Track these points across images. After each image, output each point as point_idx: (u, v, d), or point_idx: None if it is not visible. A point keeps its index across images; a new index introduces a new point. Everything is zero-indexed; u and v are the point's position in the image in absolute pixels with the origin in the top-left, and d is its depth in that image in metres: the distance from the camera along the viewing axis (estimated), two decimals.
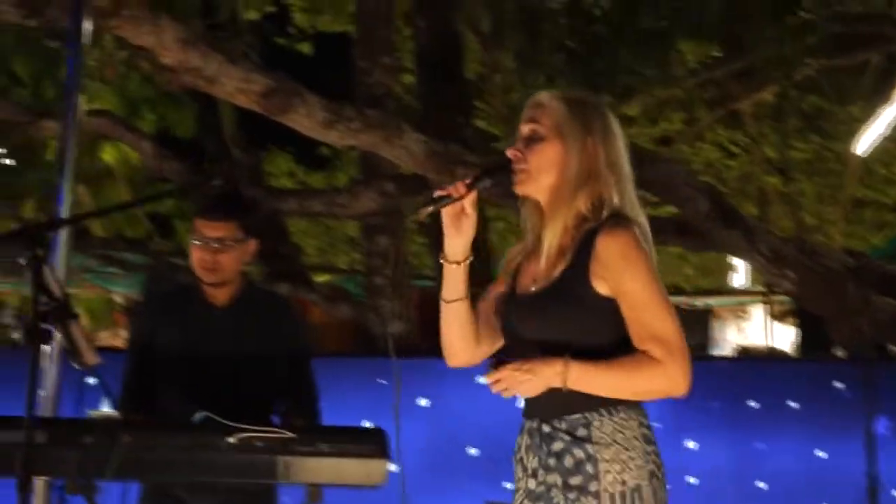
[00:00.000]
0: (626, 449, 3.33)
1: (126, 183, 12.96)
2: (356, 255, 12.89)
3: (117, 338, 15.27)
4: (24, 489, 3.19)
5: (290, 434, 4.06)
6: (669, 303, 3.38)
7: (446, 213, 3.44)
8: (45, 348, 4.79)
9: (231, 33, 11.25)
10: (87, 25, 5.39)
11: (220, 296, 4.91)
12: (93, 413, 4.13)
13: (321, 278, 15.81)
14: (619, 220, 3.38)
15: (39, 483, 4.72)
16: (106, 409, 4.36)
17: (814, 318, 8.33)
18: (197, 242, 4.81)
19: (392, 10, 10.44)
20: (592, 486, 3.29)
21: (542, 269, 3.45)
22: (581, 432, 3.34)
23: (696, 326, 15.76)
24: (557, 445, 3.36)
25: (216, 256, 4.79)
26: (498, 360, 3.39)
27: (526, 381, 3.29)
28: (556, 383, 3.28)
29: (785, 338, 18.24)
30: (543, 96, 3.54)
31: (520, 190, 3.49)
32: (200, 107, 10.40)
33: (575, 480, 3.31)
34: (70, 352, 3.62)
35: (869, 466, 7.43)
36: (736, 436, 7.60)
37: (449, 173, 6.85)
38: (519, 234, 3.72)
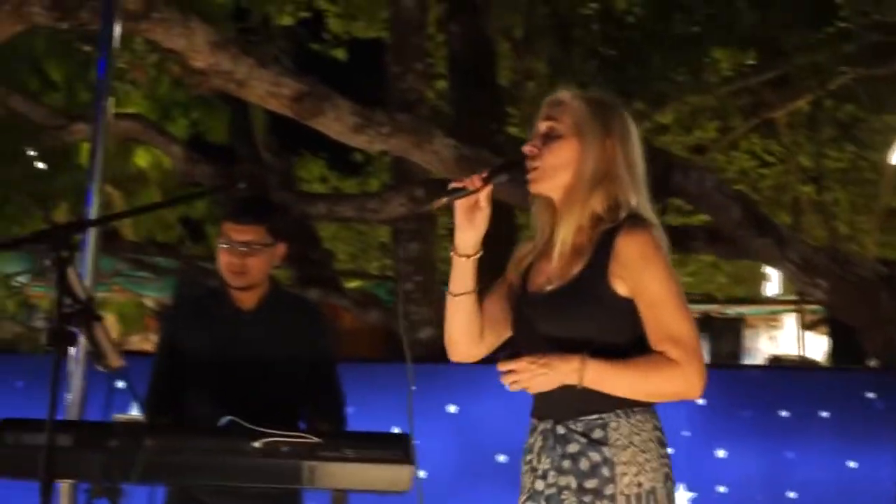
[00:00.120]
0: (643, 451, 3.31)
1: (159, 187, 12.98)
2: (387, 261, 12.89)
3: (148, 342, 15.28)
4: (46, 493, 3.18)
5: (315, 439, 4.04)
6: (687, 305, 3.36)
7: (460, 205, 3.42)
8: (71, 351, 4.83)
9: (263, 38, 11.26)
10: (118, 28, 5.39)
11: (248, 299, 4.90)
12: (118, 417, 4.12)
13: (352, 284, 15.81)
14: (637, 220, 3.36)
15: (65, 486, 4.72)
16: (133, 412, 4.36)
17: (846, 328, 8.28)
18: (225, 246, 4.79)
19: (425, 16, 10.43)
20: (608, 490, 3.27)
21: (556, 268, 3.42)
22: (597, 434, 3.31)
23: (728, 335, 15.70)
24: (572, 447, 3.33)
25: (244, 260, 4.77)
26: (513, 353, 3.37)
27: (541, 375, 3.26)
28: (572, 380, 3.25)
29: (817, 347, 18.16)
30: (564, 94, 3.51)
31: (534, 187, 3.46)
32: (232, 111, 10.41)
33: (591, 484, 3.29)
34: (94, 354, 3.61)
35: None
36: (766, 445, 7.56)
37: None
38: None
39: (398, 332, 9.38)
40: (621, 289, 3.32)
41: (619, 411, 3.31)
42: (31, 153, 9.90)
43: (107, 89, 5.34)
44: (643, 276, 3.30)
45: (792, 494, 7.49)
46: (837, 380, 8.28)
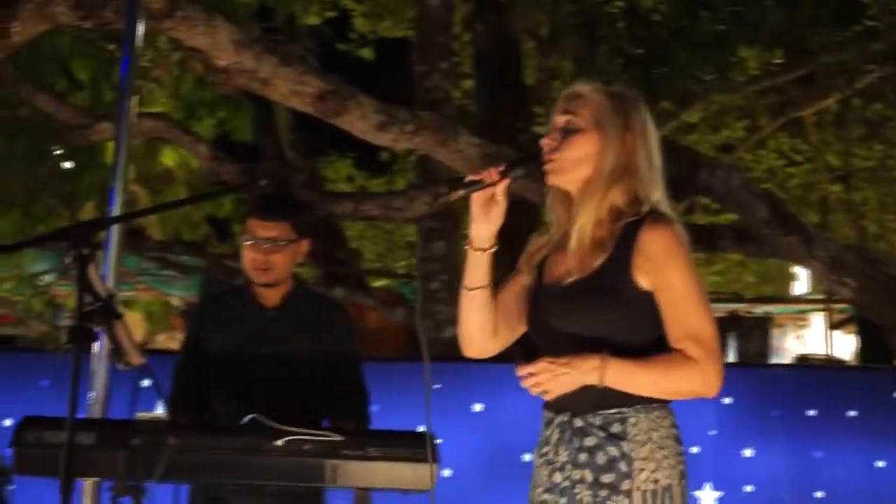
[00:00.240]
0: (661, 448, 3.29)
1: (186, 186, 12.99)
2: (414, 260, 12.89)
3: (174, 341, 15.30)
4: (67, 491, 3.17)
5: (337, 437, 4.03)
6: (709, 302, 3.34)
7: (476, 198, 3.38)
8: (94, 349, 4.83)
9: (288, 37, 11.26)
10: (141, 27, 5.39)
11: (271, 296, 4.92)
12: (141, 415, 4.12)
13: (379, 283, 15.81)
14: (661, 215, 3.34)
15: (88, 485, 4.73)
16: (158, 411, 4.36)
17: (874, 327, 8.23)
18: (249, 242, 4.81)
19: (451, 15, 10.43)
20: (625, 485, 3.25)
21: (575, 261, 3.39)
22: (616, 428, 3.29)
23: (756, 334, 15.64)
24: (590, 441, 3.31)
25: (268, 256, 4.79)
26: (530, 355, 3.35)
27: (562, 376, 3.24)
28: (592, 379, 3.22)
29: (845, 346, 18.09)
30: (582, 87, 3.48)
31: (552, 179, 3.44)
32: (257, 110, 10.41)
33: (607, 478, 3.27)
34: (115, 352, 3.60)
35: None
36: (794, 444, 7.55)
37: None
38: None
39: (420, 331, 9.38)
40: (643, 282, 3.30)
41: (638, 406, 3.29)
42: (58, 152, 9.92)
43: (130, 88, 5.35)
44: (666, 270, 3.28)
45: (819, 494, 7.47)
46: (865, 379, 8.26)
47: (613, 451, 3.27)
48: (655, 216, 3.33)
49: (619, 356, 3.22)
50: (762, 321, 16.78)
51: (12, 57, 7.37)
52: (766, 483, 7.50)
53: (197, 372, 4.93)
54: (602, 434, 3.30)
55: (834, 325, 16.24)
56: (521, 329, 3.61)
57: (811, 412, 7.57)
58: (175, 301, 15.89)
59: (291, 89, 6.35)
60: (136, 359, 3.61)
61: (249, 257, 4.81)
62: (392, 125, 6.70)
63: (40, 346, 11.57)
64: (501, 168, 3.37)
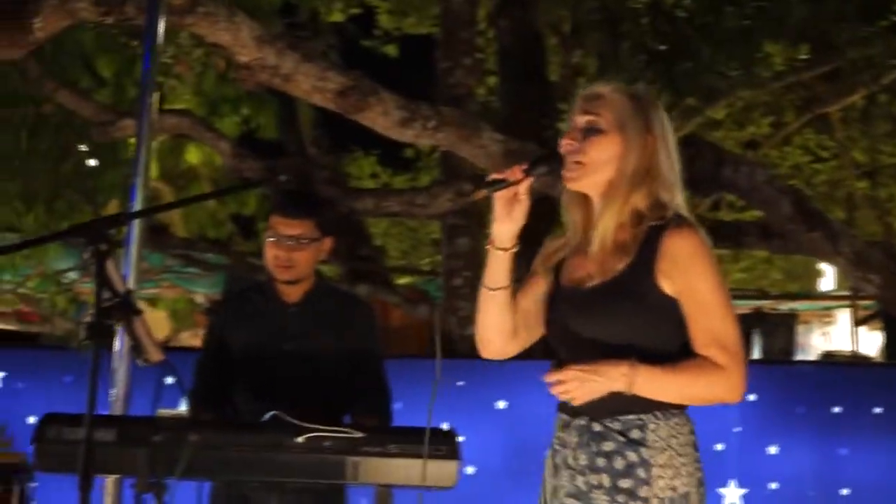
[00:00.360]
0: (680, 455, 3.26)
1: (210, 183, 13.01)
2: (438, 257, 12.87)
3: (198, 338, 15.33)
4: (85, 487, 3.16)
5: (358, 434, 4.01)
6: (733, 307, 3.32)
7: (499, 197, 3.33)
8: (115, 346, 4.83)
9: (312, 33, 11.26)
10: (162, 23, 5.39)
11: (293, 293, 4.92)
12: (162, 412, 4.11)
13: (403, 280, 15.80)
14: (684, 220, 3.31)
15: (109, 481, 4.73)
16: (181, 408, 4.36)
17: None
18: (272, 239, 4.82)
19: (475, 11, 10.41)
20: (643, 492, 3.22)
21: (595, 265, 3.35)
22: (635, 434, 3.26)
23: (781, 331, 15.57)
24: (608, 445, 3.28)
25: (291, 254, 4.80)
26: (559, 361, 3.32)
27: (591, 383, 3.21)
28: (621, 387, 3.20)
29: (870, 343, 18.02)
30: (602, 88, 3.44)
31: (573, 184, 3.40)
32: (280, 107, 10.42)
33: (625, 484, 3.24)
34: (134, 348, 3.59)
35: None
36: (819, 441, 7.53)
37: None
38: None
39: (447, 328, 9.37)
40: (667, 287, 3.27)
41: (658, 413, 3.27)
42: (82, 149, 9.95)
43: (151, 84, 5.35)
44: (691, 274, 3.25)
45: (845, 491, 7.45)
46: (891, 375, 8.26)
47: (632, 456, 3.25)
48: (679, 221, 3.30)
49: (646, 362, 3.20)
50: (787, 318, 16.68)
51: (36, 53, 7.39)
52: (790, 480, 7.48)
53: (219, 369, 4.94)
54: (621, 439, 3.27)
55: (859, 322, 16.16)
56: (539, 332, 3.57)
57: (836, 409, 7.55)
58: (199, 298, 15.92)
59: (313, 85, 6.33)
60: (156, 355, 3.60)
61: (272, 254, 4.82)
62: (414, 121, 6.68)
63: (64, 343, 11.61)
64: (525, 166, 3.33)
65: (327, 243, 4.91)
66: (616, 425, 3.28)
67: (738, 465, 7.37)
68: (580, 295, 3.37)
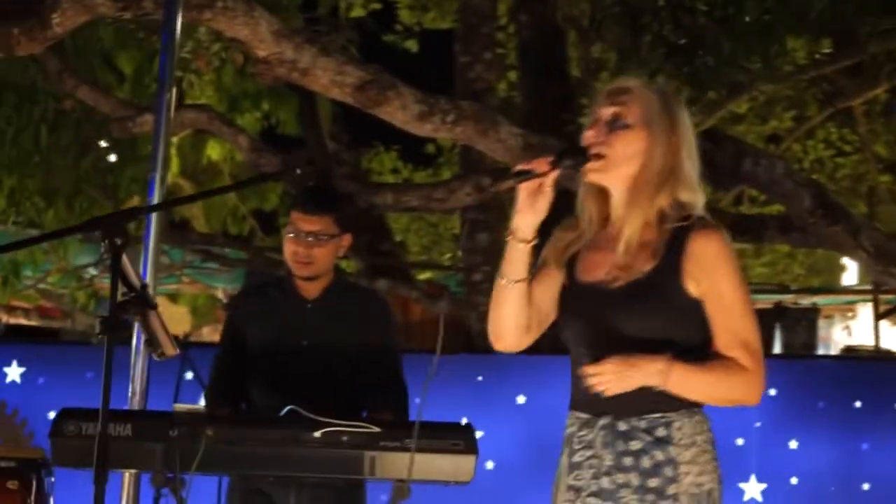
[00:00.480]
0: (704, 452, 3.27)
1: (231, 179, 13.05)
2: (459, 252, 12.84)
3: (218, 334, 15.41)
4: (100, 481, 3.15)
5: (376, 429, 4.01)
6: (754, 310, 3.33)
7: (524, 188, 3.27)
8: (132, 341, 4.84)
9: (331, 28, 11.25)
10: (180, 18, 5.39)
11: (312, 289, 4.94)
12: (179, 407, 4.12)
13: (424, 275, 15.79)
14: (709, 221, 3.31)
15: (127, 476, 4.73)
16: (199, 403, 4.37)
17: None
18: (291, 235, 4.84)
19: (495, 5, 10.39)
20: (671, 490, 3.21)
21: (620, 264, 3.31)
22: (661, 432, 3.25)
23: (803, 325, 15.50)
24: (635, 444, 3.26)
25: (310, 250, 4.81)
26: (593, 355, 3.29)
27: (627, 378, 3.19)
28: (655, 381, 3.18)
29: (893, 337, 17.95)
30: (630, 82, 3.41)
31: (596, 176, 3.35)
32: (300, 102, 10.41)
33: (653, 482, 3.22)
34: (149, 342, 3.59)
35: None
36: (840, 436, 7.50)
37: None
38: None
39: (468, 323, 9.37)
40: (693, 289, 3.26)
41: (682, 411, 3.26)
42: (102, 145, 9.97)
43: (169, 79, 5.34)
44: (717, 276, 3.25)
45: (866, 486, 7.43)
46: None
47: (659, 455, 3.23)
48: (705, 222, 3.30)
49: (681, 359, 3.19)
50: (809, 312, 16.60)
51: (56, 49, 7.40)
52: (811, 475, 7.46)
53: (236, 363, 4.96)
54: (648, 438, 3.25)
55: (881, 316, 16.07)
56: (547, 325, 3.53)
57: (857, 404, 7.53)
58: (219, 294, 15.96)
59: (331, 79, 6.32)
60: (171, 349, 3.60)
61: (291, 250, 4.84)
62: (432, 115, 6.66)
63: (85, 338, 11.65)
64: (552, 158, 3.30)
65: (346, 239, 4.92)
66: (642, 423, 3.26)
67: (758, 459, 7.35)
68: (608, 293, 3.32)
